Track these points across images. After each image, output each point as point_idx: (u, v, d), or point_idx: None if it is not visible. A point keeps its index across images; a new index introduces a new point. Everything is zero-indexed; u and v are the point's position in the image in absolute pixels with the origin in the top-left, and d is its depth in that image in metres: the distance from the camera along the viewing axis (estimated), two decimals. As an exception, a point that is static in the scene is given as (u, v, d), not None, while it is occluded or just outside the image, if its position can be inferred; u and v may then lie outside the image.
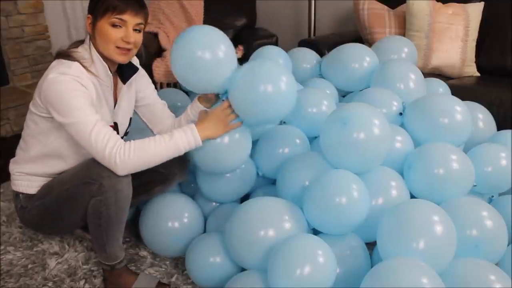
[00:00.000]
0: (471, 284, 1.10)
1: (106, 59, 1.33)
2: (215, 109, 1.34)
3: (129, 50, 1.31)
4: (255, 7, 3.20)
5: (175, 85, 2.58)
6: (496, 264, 1.26)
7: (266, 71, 1.29)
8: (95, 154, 1.23)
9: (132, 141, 1.23)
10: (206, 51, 1.27)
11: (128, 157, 1.21)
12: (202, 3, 3.00)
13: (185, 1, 2.91)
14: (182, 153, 1.28)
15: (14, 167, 1.42)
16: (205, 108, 1.43)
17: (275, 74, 1.29)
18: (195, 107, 1.46)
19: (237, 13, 3.10)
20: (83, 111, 1.21)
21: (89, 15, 1.29)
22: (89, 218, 1.31)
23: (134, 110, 1.54)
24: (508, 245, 1.32)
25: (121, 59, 1.32)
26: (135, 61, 1.48)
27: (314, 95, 1.68)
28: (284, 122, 1.70)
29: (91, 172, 1.25)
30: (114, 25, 1.27)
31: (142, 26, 1.32)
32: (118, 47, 1.29)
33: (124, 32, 1.28)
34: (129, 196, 1.29)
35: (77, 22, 2.99)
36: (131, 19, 1.28)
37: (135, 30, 1.30)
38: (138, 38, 1.32)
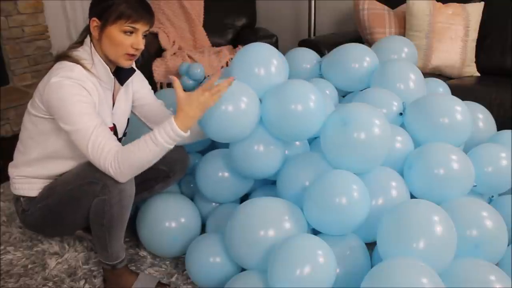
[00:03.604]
0: (471, 284, 1.10)
1: (107, 61, 1.33)
2: (198, 98, 1.24)
3: (134, 55, 1.32)
4: (255, 7, 3.20)
5: (175, 85, 2.57)
6: (496, 264, 1.26)
7: (295, 91, 1.38)
8: (94, 164, 1.24)
9: (119, 150, 1.21)
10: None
11: (119, 169, 1.21)
12: (202, 3, 3.00)
13: (185, 1, 2.91)
14: (170, 148, 1.25)
15: (13, 170, 1.41)
16: None
17: (304, 93, 1.37)
18: None
19: (237, 13, 3.10)
20: (83, 118, 1.21)
21: (95, 18, 1.27)
22: (92, 217, 1.31)
23: (132, 111, 1.54)
24: (508, 245, 1.32)
25: (127, 63, 1.33)
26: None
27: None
28: None
29: (95, 172, 1.25)
30: (126, 33, 1.27)
31: (148, 31, 1.33)
32: (127, 53, 1.30)
33: (134, 39, 1.28)
34: (132, 195, 1.30)
35: (77, 22, 2.99)
36: (142, 27, 1.29)
37: (142, 36, 1.31)
38: (144, 43, 1.33)
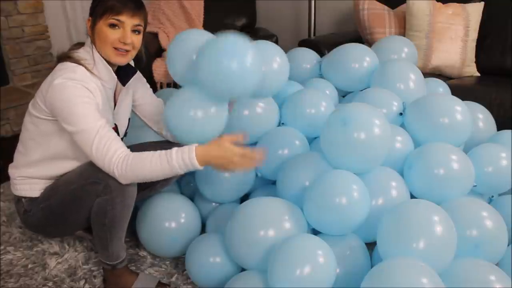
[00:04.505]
0: (471, 284, 1.10)
1: (107, 61, 1.33)
2: (230, 152, 1.21)
3: (127, 51, 1.31)
4: (255, 7, 3.20)
5: (175, 85, 2.58)
6: (496, 264, 1.26)
7: (230, 46, 1.26)
8: (97, 164, 1.24)
9: (131, 155, 1.21)
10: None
11: (125, 172, 1.20)
12: (202, 3, 3.00)
13: (185, 1, 2.91)
14: (179, 174, 1.23)
15: (14, 171, 1.41)
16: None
17: (240, 49, 1.26)
18: None
19: (237, 13, 3.10)
20: (87, 119, 1.21)
21: (89, 17, 1.29)
22: (93, 217, 1.31)
23: (132, 110, 1.54)
24: (508, 245, 1.32)
25: (118, 60, 1.32)
26: (131, 62, 1.48)
27: (313, 96, 1.69)
28: (283, 124, 1.71)
29: (97, 171, 1.25)
30: (112, 26, 1.26)
31: (141, 27, 1.32)
32: (115, 48, 1.29)
33: (121, 33, 1.28)
34: (134, 195, 1.30)
35: (77, 22, 2.99)
36: (128, 20, 1.27)
37: (134, 31, 1.30)
38: (136, 39, 1.31)
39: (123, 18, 1.26)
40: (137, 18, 1.29)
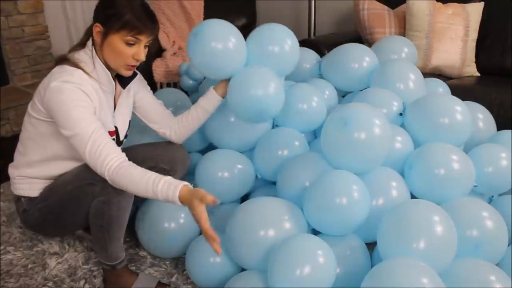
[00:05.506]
0: (471, 284, 1.10)
1: (108, 67, 1.32)
2: (200, 210, 1.15)
3: (135, 65, 1.32)
4: (255, 7, 3.20)
5: (175, 85, 2.58)
6: (496, 264, 1.26)
7: (257, 77, 1.44)
8: (91, 167, 1.23)
9: (124, 166, 1.19)
10: (219, 42, 1.42)
11: (114, 180, 1.20)
12: (202, 3, 3.00)
13: (185, 1, 2.91)
14: (161, 201, 1.20)
15: (13, 171, 1.41)
16: (221, 98, 1.51)
17: (265, 79, 1.44)
18: (212, 98, 1.50)
19: (237, 13, 3.10)
20: (81, 123, 1.20)
21: (98, 24, 1.26)
22: (91, 218, 1.31)
23: (133, 112, 1.54)
24: (508, 245, 1.32)
25: (127, 73, 1.34)
26: None
27: (304, 91, 1.67)
28: (277, 126, 1.70)
29: (94, 173, 1.24)
30: (127, 43, 1.26)
31: (151, 41, 1.32)
32: (127, 64, 1.30)
33: (136, 50, 1.28)
34: (131, 196, 1.30)
35: (77, 22, 2.99)
36: (146, 39, 1.28)
37: (144, 46, 1.30)
38: (144, 53, 1.32)
39: (142, 37, 1.27)
40: (153, 36, 1.30)
